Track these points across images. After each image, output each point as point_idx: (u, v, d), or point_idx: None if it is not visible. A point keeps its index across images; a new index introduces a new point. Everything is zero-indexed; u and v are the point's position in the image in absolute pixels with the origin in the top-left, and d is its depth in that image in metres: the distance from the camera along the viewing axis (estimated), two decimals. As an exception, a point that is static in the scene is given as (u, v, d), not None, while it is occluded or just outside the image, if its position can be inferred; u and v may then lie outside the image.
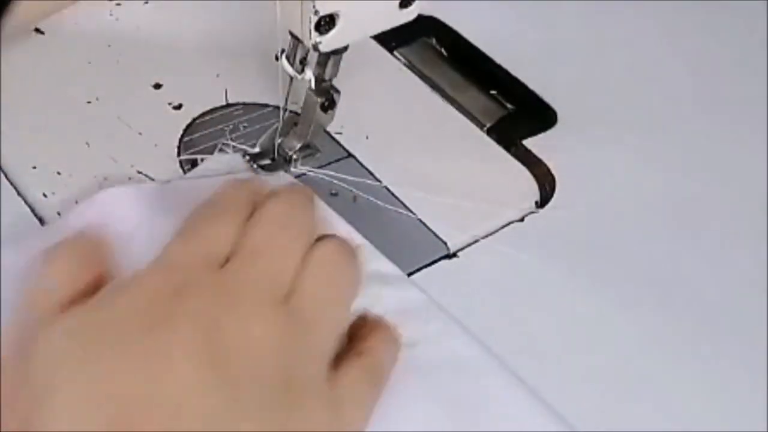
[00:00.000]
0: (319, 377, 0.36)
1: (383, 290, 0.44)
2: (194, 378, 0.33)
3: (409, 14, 0.45)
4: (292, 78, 0.47)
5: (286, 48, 0.46)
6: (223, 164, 0.49)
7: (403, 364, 0.41)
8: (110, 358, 0.33)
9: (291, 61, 0.46)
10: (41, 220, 0.45)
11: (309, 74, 0.47)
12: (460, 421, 0.40)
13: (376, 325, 0.41)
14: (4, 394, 0.34)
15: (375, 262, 0.46)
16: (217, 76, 0.55)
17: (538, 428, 0.41)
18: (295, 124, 0.50)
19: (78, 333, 0.34)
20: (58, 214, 0.45)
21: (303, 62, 0.47)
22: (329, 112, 0.48)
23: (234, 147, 0.50)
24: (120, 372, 0.33)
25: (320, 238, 0.40)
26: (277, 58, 0.47)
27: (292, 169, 0.50)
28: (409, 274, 0.47)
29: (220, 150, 0.50)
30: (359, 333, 0.41)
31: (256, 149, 0.50)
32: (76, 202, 0.46)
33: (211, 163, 0.49)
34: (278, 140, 0.50)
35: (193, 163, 0.49)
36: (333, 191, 0.50)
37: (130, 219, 0.43)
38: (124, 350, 0.33)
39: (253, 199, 0.40)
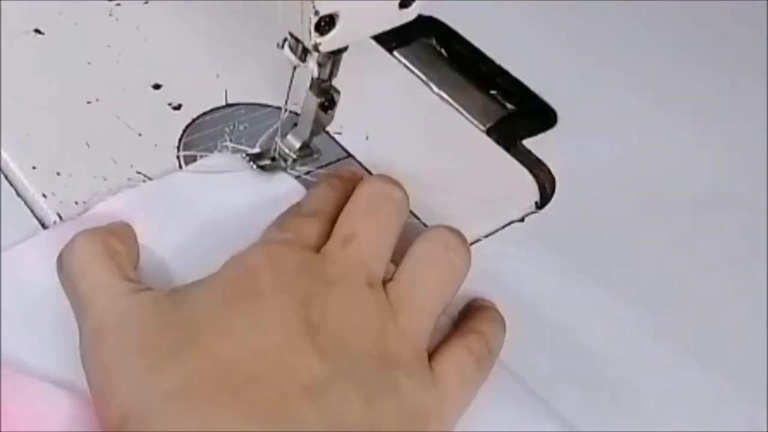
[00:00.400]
0: (415, 357, 0.38)
1: None
2: (290, 344, 0.35)
3: (409, 14, 0.45)
4: (294, 68, 0.46)
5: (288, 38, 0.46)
6: (222, 163, 0.49)
7: None
8: (209, 333, 0.35)
9: (294, 50, 0.46)
10: (41, 221, 0.45)
11: (312, 63, 0.46)
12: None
13: (484, 307, 0.43)
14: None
15: None
16: (217, 76, 0.55)
17: (536, 426, 0.41)
18: (295, 124, 0.50)
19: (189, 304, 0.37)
20: (58, 215, 0.45)
21: (306, 51, 0.46)
22: (329, 112, 0.48)
23: (233, 147, 0.50)
24: (219, 348, 0.35)
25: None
26: (278, 46, 0.46)
27: (290, 171, 0.50)
28: (409, 275, 0.47)
29: (219, 151, 0.50)
30: (467, 314, 0.42)
31: (256, 149, 0.50)
32: (76, 203, 0.46)
33: (210, 160, 0.49)
34: (278, 140, 0.49)
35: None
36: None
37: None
38: (221, 325, 0.35)
39: (345, 193, 0.43)
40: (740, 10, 0.68)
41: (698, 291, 0.49)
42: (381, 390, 0.36)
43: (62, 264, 0.40)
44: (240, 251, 0.39)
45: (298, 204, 0.44)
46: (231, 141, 0.51)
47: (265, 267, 0.37)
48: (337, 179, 0.46)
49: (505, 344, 0.43)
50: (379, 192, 0.43)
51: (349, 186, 0.44)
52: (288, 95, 0.48)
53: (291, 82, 0.47)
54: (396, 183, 0.44)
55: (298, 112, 0.49)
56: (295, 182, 0.49)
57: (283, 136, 0.50)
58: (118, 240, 0.41)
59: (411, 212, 0.49)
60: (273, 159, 0.50)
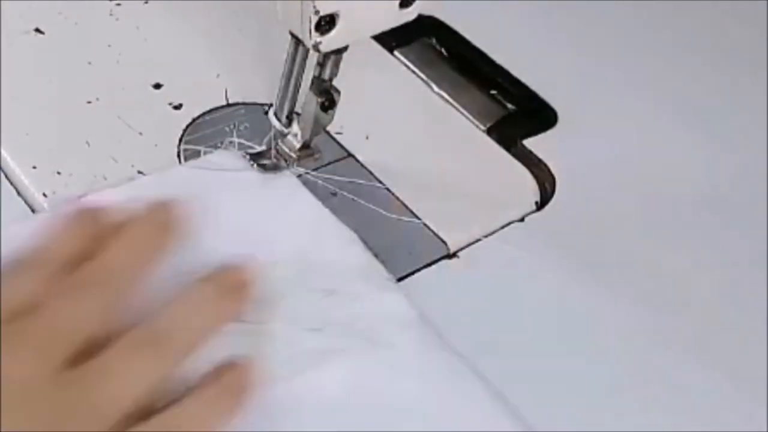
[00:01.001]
0: None
1: (366, 290, 0.44)
2: None
3: (409, 14, 0.45)
4: (291, 70, 0.47)
5: (275, 102, 0.48)
6: (223, 161, 0.49)
7: (377, 366, 0.41)
8: None
9: (278, 116, 0.48)
10: (41, 220, 0.45)
11: (296, 128, 0.48)
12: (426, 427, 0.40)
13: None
14: None
15: (364, 260, 0.46)
16: (217, 76, 0.55)
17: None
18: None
19: None
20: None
21: (290, 117, 0.48)
22: (329, 112, 0.48)
23: (239, 143, 0.50)
24: None
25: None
26: (265, 113, 0.48)
27: (291, 170, 0.50)
28: (409, 274, 0.47)
29: (225, 148, 0.50)
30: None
31: (256, 149, 0.50)
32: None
33: (212, 157, 0.49)
34: (278, 140, 0.49)
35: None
36: (332, 191, 0.50)
37: None
38: None
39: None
40: (740, 10, 0.68)
41: (698, 291, 0.49)
42: None
43: None
44: None
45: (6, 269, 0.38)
46: (231, 141, 0.51)
47: None
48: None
49: (505, 343, 0.43)
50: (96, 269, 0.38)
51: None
52: (276, 145, 0.49)
53: (289, 83, 0.48)
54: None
55: (299, 112, 0.49)
56: (296, 181, 0.49)
57: (283, 135, 0.50)
58: None
59: (411, 212, 0.50)
60: (273, 159, 0.50)
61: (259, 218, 0.46)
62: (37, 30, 0.55)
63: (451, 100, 0.58)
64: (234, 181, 0.48)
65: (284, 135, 0.49)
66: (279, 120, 0.48)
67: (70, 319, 0.36)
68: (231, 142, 0.51)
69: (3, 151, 0.48)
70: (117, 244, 0.38)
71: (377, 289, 0.45)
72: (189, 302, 0.38)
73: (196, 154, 0.49)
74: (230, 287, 0.40)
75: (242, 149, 0.50)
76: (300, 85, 0.48)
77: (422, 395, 0.41)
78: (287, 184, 0.49)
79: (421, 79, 0.59)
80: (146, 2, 0.59)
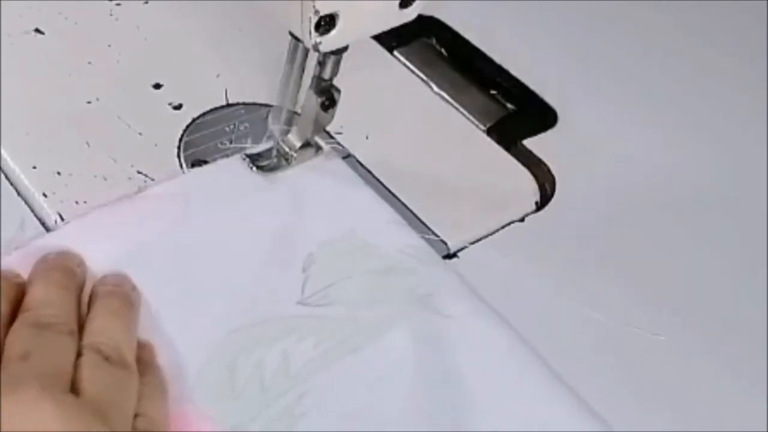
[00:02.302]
0: None
1: (420, 267, 0.46)
2: None
3: (409, 14, 0.45)
4: (291, 69, 0.47)
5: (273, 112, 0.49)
6: (226, 169, 0.49)
7: (436, 336, 0.43)
8: None
9: (278, 117, 0.48)
10: (41, 221, 0.45)
11: (293, 136, 0.49)
12: (482, 397, 0.41)
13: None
14: None
15: (413, 239, 0.47)
16: (217, 76, 0.55)
17: (562, 413, 0.42)
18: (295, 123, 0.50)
19: None
20: (59, 214, 0.45)
21: (289, 123, 0.48)
22: (329, 111, 0.48)
23: (233, 147, 0.50)
24: None
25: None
26: (265, 118, 0.49)
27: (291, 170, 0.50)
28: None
29: (220, 149, 0.50)
30: None
31: (256, 149, 0.50)
32: (76, 202, 0.46)
33: (214, 167, 0.49)
34: (278, 139, 0.49)
35: (194, 163, 0.49)
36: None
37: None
38: None
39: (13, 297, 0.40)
40: (740, 10, 0.68)
41: (698, 290, 0.49)
42: None
43: None
44: None
45: None
46: (231, 141, 0.51)
47: None
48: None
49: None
50: (46, 312, 0.39)
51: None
52: (286, 95, 0.48)
53: (289, 83, 0.48)
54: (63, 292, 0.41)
55: (299, 111, 0.49)
56: (343, 164, 0.50)
57: (284, 135, 0.50)
58: None
59: (411, 212, 0.50)
60: (273, 158, 0.50)
61: (311, 201, 0.48)
62: (37, 30, 0.55)
63: (451, 100, 0.58)
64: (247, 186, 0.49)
65: (285, 134, 0.49)
66: (278, 122, 0.48)
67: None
68: (223, 144, 0.51)
69: (3, 151, 0.48)
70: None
71: (430, 266, 0.47)
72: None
73: (193, 163, 0.50)
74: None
75: (236, 152, 0.50)
76: (300, 85, 0.48)
77: (481, 365, 0.43)
78: (334, 167, 0.50)
79: (421, 79, 0.59)
80: (146, 2, 0.59)
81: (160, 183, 0.48)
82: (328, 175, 0.50)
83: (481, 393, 0.42)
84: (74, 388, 0.36)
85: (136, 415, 0.37)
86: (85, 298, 0.41)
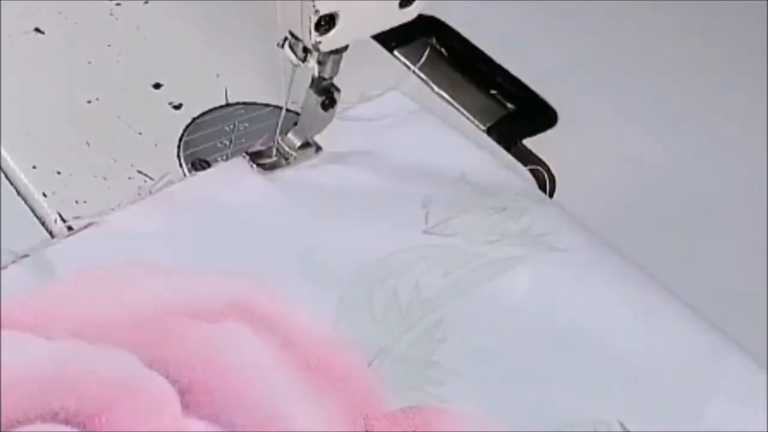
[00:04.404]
0: None
1: (531, 205, 0.49)
2: None
3: (409, 14, 0.45)
4: (294, 67, 0.47)
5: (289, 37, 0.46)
6: (228, 170, 0.49)
7: (554, 269, 0.46)
8: None
9: (294, 49, 0.46)
10: (41, 220, 0.45)
11: (312, 62, 0.46)
12: (607, 321, 0.44)
13: None
14: None
15: (518, 181, 0.51)
16: (217, 76, 0.55)
17: (684, 327, 0.45)
18: (295, 123, 0.50)
19: None
20: (59, 214, 0.45)
21: (306, 51, 0.46)
22: (329, 111, 0.48)
23: (231, 148, 0.50)
24: None
25: None
26: (279, 45, 0.47)
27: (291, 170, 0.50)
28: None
29: (220, 149, 0.50)
30: None
31: (256, 148, 0.50)
32: (76, 202, 0.46)
33: (216, 170, 0.49)
34: (278, 139, 0.49)
35: (193, 163, 0.49)
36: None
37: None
38: None
39: None
40: (740, 10, 0.68)
41: (698, 290, 0.49)
42: None
43: None
44: None
45: None
46: (231, 141, 0.51)
47: None
48: None
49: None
50: None
51: None
52: (290, 88, 0.48)
53: (291, 81, 0.47)
54: None
55: (298, 111, 0.49)
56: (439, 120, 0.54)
57: (283, 134, 0.50)
58: None
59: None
60: (273, 158, 0.50)
61: (421, 150, 0.51)
62: (37, 30, 0.55)
63: (451, 99, 0.58)
64: (395, 120, 0.53)
65: (302, 65, 0.47)
66: (294, 53, 0.46)
67: None
68: (223, 143, 0.51)
69: (3, 151, 0.48)
70: None
71: (540, 204, 0.49)
72: None
73: (192, 163, 0.50)
74: None
75: (236, 152, 0.50)
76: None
77: (600, 295, 0.45)
78: (434, 121, 0.54)
79: (421, 79, 0.59)
80: (146, 2, 0.59)
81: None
82: (430, 127, 0.54)
83: (604, 317, 0.44)
84: None
85: None
86: None
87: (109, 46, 0.55)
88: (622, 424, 0.41)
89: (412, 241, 0.47)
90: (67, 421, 0.38)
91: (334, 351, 0.41)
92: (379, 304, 0.44)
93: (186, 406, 0.39)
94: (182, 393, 0.39)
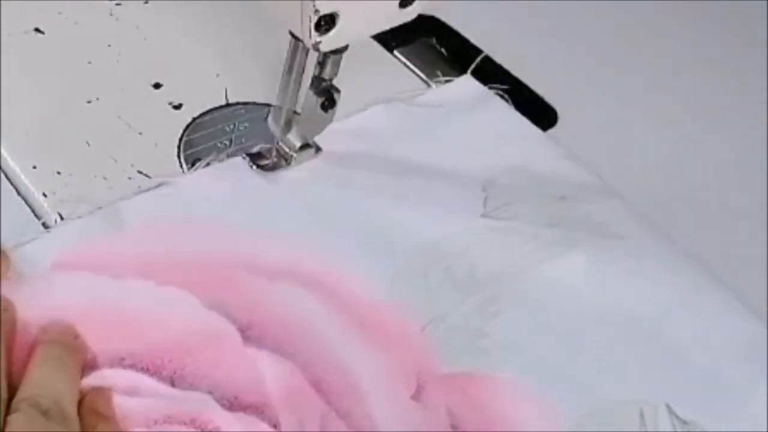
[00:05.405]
0: None
1: (592, 196, 0.51)
2: None
3: (409, 14, 0.45)
4: (290, 69, 0.47)
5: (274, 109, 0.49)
6: (227, 170, 0.49)
7: (611, 255, 0.47)
8: None
9: (277, 119, 0.48)
10: (42, 220, 0.45)
11: (293, 136, 0.49)
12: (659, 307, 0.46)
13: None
14: None
15: (580, 171, 0.52)
16: (217, 76, 0.55)
17: (734, 318, 0.46)
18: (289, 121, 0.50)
19: None
20: (59, 214, 0.45)
21: (288, 124, 0.48)
22: (329, 111, 0.48)
23: (231, 148, 0.50)
24: None
25: None
26: (265, 119, 0.49)
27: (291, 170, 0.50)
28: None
29: (220, 149, 0.50)
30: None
31: (256, 149, 0.50)
32: (76, 202, 0.46)
33: (214, 169, 0.49)
34: (278, 139, 0.49)
35: (193, 163, 0.49)
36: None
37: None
38: None
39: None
40: (740, 10, 0.68)
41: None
42: None
43: None
44: None
45: None
46: (231, 141, 0.51)
47: None
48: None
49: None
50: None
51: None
52: (296, 97, 0.48)
53: (299, 86, 0.47)
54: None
55: (299, 111, 0.49)
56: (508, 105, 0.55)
57: (283, 135, 0.49)
58: None
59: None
60: (273, 158, 0.50)
61: (484, 135, 0.53)
62: (37, 30, 0.55)
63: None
64: (465, 105, 0.55)
65: (283, 136, 0.49)
66: (277, 125, 0.48)
67: None
68: (223, 144, 0.51)
69: (3, 151, 0.48)
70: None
71: (601, 195, 0.50)
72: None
73: (191, 157, 0.50)
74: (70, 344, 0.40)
75: (235, 153, 0.50)
76: (300, 84, 0.48)
77: (655, 283, 0.47)
78: (502, 107, 0.55)
79: (421, 79, 0.59)
80: (146, 2, 0.59)
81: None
82: (498, 113, 0.55)
83: (657, 305, 0.46)
84: None
85: None
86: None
87: (109, 46, 0.55)
88: (669, 407, 0.42)
89: (469, 223, 0.48)
90: (133, 366, 0.39)
91: (389, 315, 0.43)
92: (434, 278, 0.45)
93: (246, 340, 0.41)
94: (242, 330, 0.41)
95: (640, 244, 0.49)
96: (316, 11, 0.41)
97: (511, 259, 0.47)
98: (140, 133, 0.50)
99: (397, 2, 0.45)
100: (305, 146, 0.50)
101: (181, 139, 0.51)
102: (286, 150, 0.49)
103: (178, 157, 0.50)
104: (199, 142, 0.51)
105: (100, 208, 0.45)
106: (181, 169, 0.49)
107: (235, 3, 0.59)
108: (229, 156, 0.50)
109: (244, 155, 0.49)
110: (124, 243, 0.44)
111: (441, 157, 0.52)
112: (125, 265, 0.43)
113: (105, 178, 0.48)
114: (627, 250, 0.48)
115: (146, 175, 0.48)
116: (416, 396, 0.41)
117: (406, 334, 0.43)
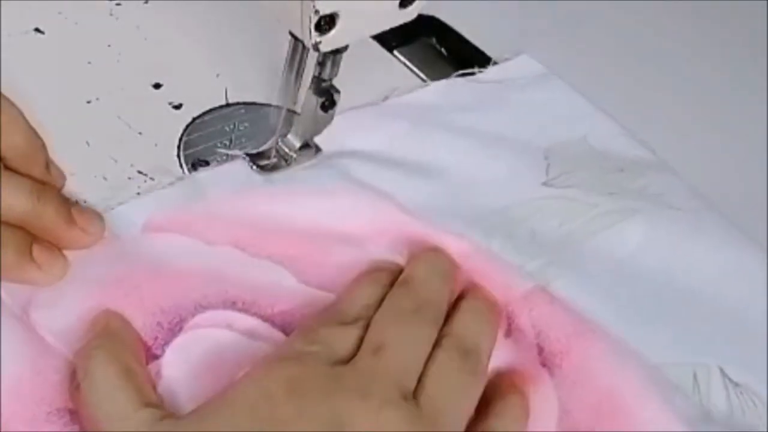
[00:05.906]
0: None
1: (648, 170, 0.53)
2: None
3: (409, 14, 0.45)
4: (290, 68, 0.47)
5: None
6: (228, 172, 0.49)
7: (668, 225, 0.49)
8: None
9: (277, 118, 0.49)
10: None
11: (293, 136, 0.49)
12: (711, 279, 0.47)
13: (507, 391, 0.41)
14: None
15: (639, 149, 0.54)
16: (217, 76, 0.55)
17: None
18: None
19: None
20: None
21: (288, 124, 0.49)
22: (329, 111, 0.48)
23: (231, 148, 0.50)
24: None
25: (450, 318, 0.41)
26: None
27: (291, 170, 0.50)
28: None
29: (218, 148, 0.50)
30: (490, 396, 0.40)
31: (256, 149, 0.50)
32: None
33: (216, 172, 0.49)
34: (278, 140, 0.49)
35: (194, 163, 0.49)
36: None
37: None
38: None
39: (381, 293, 0.41)
40: (740, 10, 0.68)
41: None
42: None
43: (79, 389, 0.36)
44: (256, 364, 0.37)
45: (337, 308, 0.41)
46: (231, 141, 0.51)
47: (285, 394, 0.35)
48: (383, 274, 0.43)
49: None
50: (417, 295, 0.41)
51: (393, 280, 0.42)
52: (295, 96, 0.48)
53: (299, 85, 0.47)
54: (444, 278, 0.43)
55: (298, 111, 0.49)
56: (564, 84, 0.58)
57: (283, 135, 0.50)
58: (135, 358, 0.38)
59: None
60: (273, 159, 0.50)
61: (544, 110, 0.55)
62: (37, 30, 0.55)
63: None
64: (525, 82, 0.57)
65: (283, 136, 0.49)
66: (277, 125, 0.49)
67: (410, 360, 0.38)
68: (223, 144, 0.51)
69: (3, 152, 0.48)
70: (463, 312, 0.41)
71: (661, 171, 0.53)
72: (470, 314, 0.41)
73: (193, 163, 0.50)
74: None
75: (235, 153, 0.50)
76: (300, 85, 0.48)
77: (712, 255, 0.48)
78: (561, 86, 0.58)
79: (421, 79, 0.59)
80: (146, 2, 0.59)
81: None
82: (557, 90, 0.57)
83: (712, 276, 0.47)
84: (419, 383, 0.37)
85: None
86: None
87: (109, 46, 0.55)
88: (722, 370, 0.43)
89: (531, 192, 0.50)
90: (244, 310, 0.41)
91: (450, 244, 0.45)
92: (495, 243, 0.46)
93: None
94: None
95: (697, 216, 0.50)
96: (316, 11, 0.41)
97: (571, 227, 0.48)
98: (140, 133, 0.50)
99: (397, 2, 0.45)
100: (305, 146, 0.50)
101: (181, 139, 0.51)
102: (286, 150, 0.49)
103: (178, 157, 0.50)
104: (199, 142, 0.51)
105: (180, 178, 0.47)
106: (181, 169, 0.49)
107: (235, 3, 0.59)
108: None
109: (243, 156, 0.49)
110: (209, 211, 0.45)
111: (504, 127, 0.53)
112: (216, 232, 0.44)
113: (105, 178, 0.48)
114: (684, 220, 0.50)
115: (146, 175, 0.48)
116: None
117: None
